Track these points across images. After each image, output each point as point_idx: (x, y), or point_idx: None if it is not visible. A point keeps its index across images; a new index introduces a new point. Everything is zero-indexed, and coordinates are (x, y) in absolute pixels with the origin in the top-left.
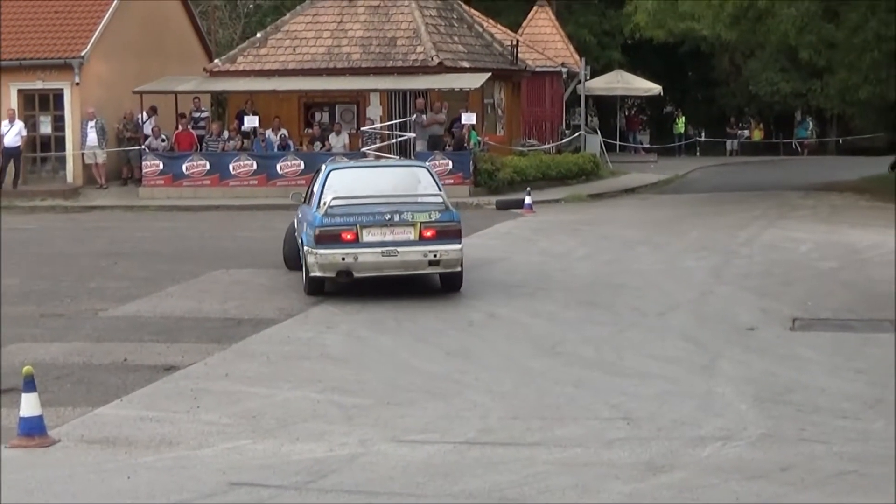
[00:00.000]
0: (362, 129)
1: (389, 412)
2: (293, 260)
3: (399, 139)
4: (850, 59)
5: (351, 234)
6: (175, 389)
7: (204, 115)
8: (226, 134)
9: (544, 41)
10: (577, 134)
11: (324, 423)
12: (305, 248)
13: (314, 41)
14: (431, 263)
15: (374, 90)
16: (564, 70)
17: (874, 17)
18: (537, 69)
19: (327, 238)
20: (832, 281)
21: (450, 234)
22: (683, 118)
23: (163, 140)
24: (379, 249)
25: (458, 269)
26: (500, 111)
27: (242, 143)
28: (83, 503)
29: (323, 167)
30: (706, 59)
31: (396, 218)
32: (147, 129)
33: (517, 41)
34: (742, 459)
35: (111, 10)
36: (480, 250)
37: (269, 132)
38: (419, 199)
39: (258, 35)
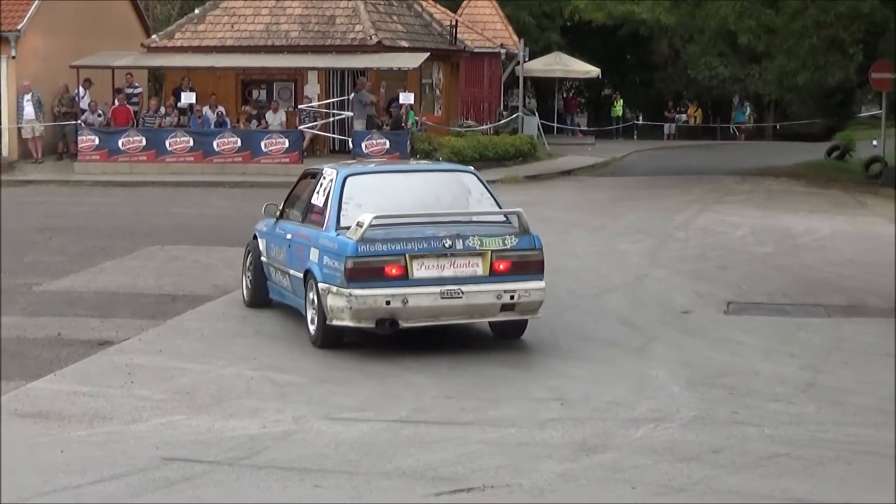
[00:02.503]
0: (300, 107)
1: (324, 390)
2: (260, 296)
3: (337, 118)
4: (788, 44)
5: (398, 269)
6: (109, 364)
7: (137, 90)
8: (162, 110)
9: (483, 22)
10: (514, 115)
11: (258, 399)
12: (323, 285)
13: (253, 18)
14: (505, 308)
15: (313, 68)
16: (503, 51)
17: (813, 4)
18: (476, 50)
19: (366, 273)
20: (767, 266)
21: (531, 266)
22: (621, 101)
23: (99, 115)
24: (437, 289)
25: (536, 314)
26: (438, 91)
27: (179, 119)
28: (15, 476)
29: (327, 171)
30: (645, 43)
31: (459, 245)
32: (83, 104)
33: (456, 21)
34: (674, 441)
35: None
36: None
37: (205, 109)
38: (484, 219)
39: (196, 11)
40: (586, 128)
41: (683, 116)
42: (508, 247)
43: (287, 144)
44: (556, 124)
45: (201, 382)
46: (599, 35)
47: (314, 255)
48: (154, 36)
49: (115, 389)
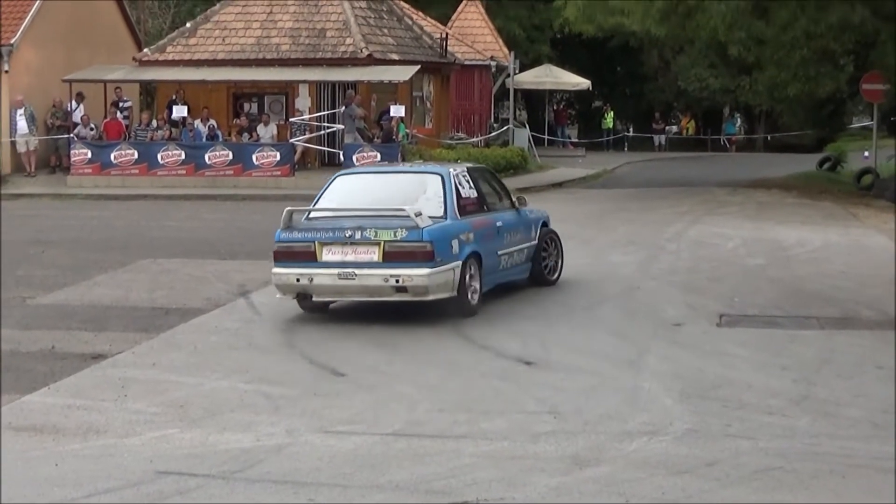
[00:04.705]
0: (291, 120)
1: (317, 403)
2: None
3: (328, 131)
4: (779, 55)
5: (308, 253)
6: (103, 378)
7: (127, 104)
8: (154, 123)
9: (473, 34)
10: (505, 127)
11: (251, 412)
12: None
13: (244, 32)
14: (397, 290)
15: (303, 81)
16: (493, 63)
17: (804, 15)
18: (466, 62)
19: (284, 256)
20: (759, 277)
21: (417, 256)
22: (612, 113)
23: (91, 129)
24: (336, 271)
25: (429, 296)
26: (428, 104)
27: (171, 132)
28: (10, 490)
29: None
30: (635, 55)
31: (358, 235)
32: (76, 118)
33: (446, 34)
34: (668, 454)
35: None
36: None
37: (197, 122)
38: (395, 213)
39: (188, 25)
40: (577, 140)
41: (675, 128)
42: (398, 238)
43: (278, 157)
44: (546, 136)
45: (194, 396)
46: (589, 47)
47: None
48: (146, 50)
49: (108, 403)
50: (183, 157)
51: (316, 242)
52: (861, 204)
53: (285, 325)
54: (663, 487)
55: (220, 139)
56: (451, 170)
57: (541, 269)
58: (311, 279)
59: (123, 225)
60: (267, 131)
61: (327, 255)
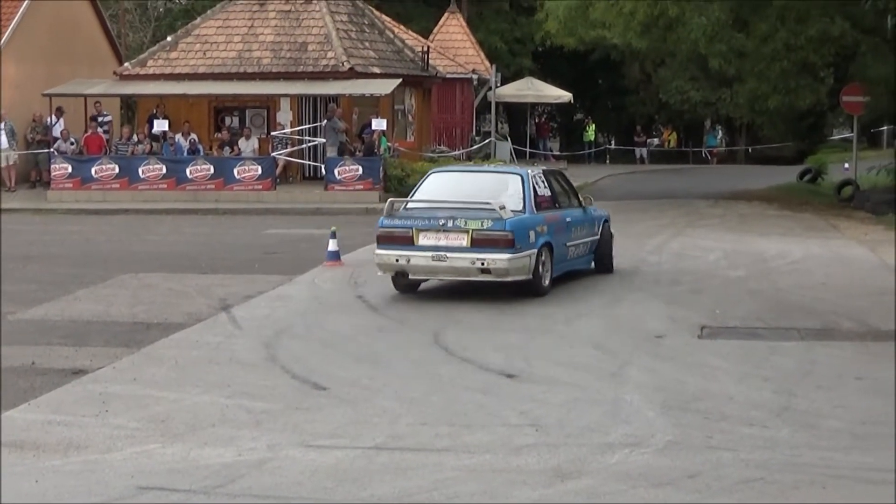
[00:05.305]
0: (272, 133)
1: (298, 417)
2: None
3: (309, 144)
4: (759, 68)
5: (406, 238)
6: (83, 393)
7: (107, 118)
8: (135, 138)
9: (455, 47)
10: (487, 140)
11: (232, 427)
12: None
13: (225, 45)
14: (482, 271)
15: (285, 95)
16: (475, 77)
17: (783, 28)
18: (448, 75)
19: (386, 240)
20: (740, 289)
21: (500, 243)
22: (593, 126)
23: (72, 143)
24: (430, 254)
25: (509, 278)
26: (410, 117)
27: (152, 146)
28: None
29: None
30: (616, 67)
31: (450, 224)
32: (56, 132)
33: (428, 47)
34: (649, 466)
35: (20, 12)
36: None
37: (178, 136)
38: (482, 207)
39: (169, 39)
40: (559, 152)
41: (656, 140)
42: (485, 227)
43: (260, 171)
44: (528, 149)
45: (176, 411)
46: (571, 60)
47: None
48: (126, 64)
49: (89, 418)
50: (164, 171)
51: (413, 229)
52: (841, 215)
53: (267, 339)
54: (645, 499)
55: (202, 153)
56: (529, 171)
57: (601, 259)
58: (409, 260)
59: (104, 239)
60: (248, 145)
61: (423, 239)
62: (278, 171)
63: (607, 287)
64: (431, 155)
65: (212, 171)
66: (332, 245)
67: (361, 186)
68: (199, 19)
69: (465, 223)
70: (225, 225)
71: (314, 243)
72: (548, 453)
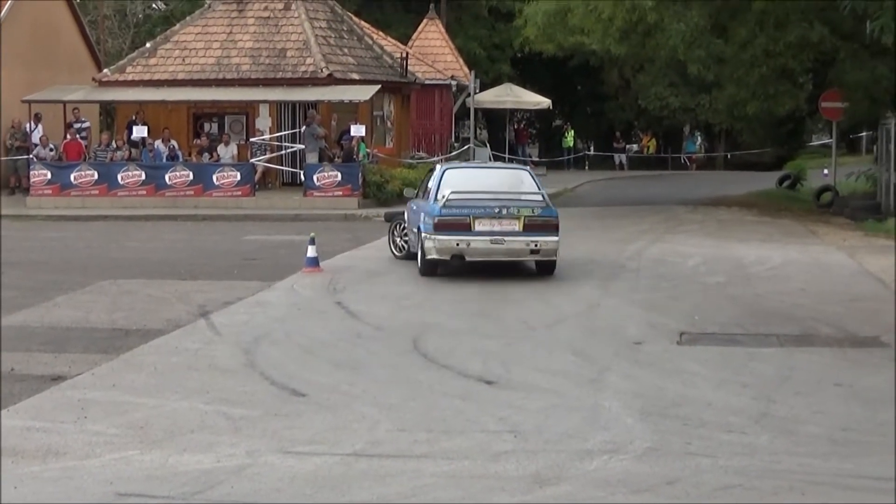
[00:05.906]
0: (251, 139)
1: (277, 423)
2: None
3: (288, 150)
4: (738, 74)
5: (464, 224)
6: (62, 399)
7: (85, 125)
8: (114, 144)
9: (434, 54)
10: (466, 147)
11: (211, 433)
12: (423, 234)
13: (204, 51)
14: (532, 252)
15: (264, 101)
16: (454, 83)
17: (762, 33)
18: (427, 82)
19: (444, 226)
20: (719, 295)
21: (549, 227)
22: (572, 132)
23: (51, 149)
24: (488, 238)
25: (555, 258)
26: (389, 123)
27: (131, 153)
28: None
29: (437, 167)
30: (595, 74)
31: (504, 212)
32: (35, 139)
33: (407, 53)
34: (628, 473)
35: None
36: (368, 262)
37: (157, 142)
38: (523, 197)
39: (148, 45)
40: (538, 158)
41: (635, 146)
42: (535, 214)
43: (239, 177)
44: (507, 155)
45: (155, 417)
46: (550, 66)
47: (422, 217)
48: (105, 70)
49: (68, 425)
50: (143, 177)
51: (471, 216)
52: (820, 221)
53: (246, 345)
54: None
55: (181, 159)
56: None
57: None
58: (469, 244)
59: (83, 246)
60: (227, 151)
61: (479, 226)
62: (257, 177)
63: (586, 293)
64: (410, 161)
65: (191, 177)
66: (311, 251)
67: (340, 193)
68: (178, 25)
69: (518, 211)
70: (204, 231)
71: (293, 249)
72: (526, 459)
